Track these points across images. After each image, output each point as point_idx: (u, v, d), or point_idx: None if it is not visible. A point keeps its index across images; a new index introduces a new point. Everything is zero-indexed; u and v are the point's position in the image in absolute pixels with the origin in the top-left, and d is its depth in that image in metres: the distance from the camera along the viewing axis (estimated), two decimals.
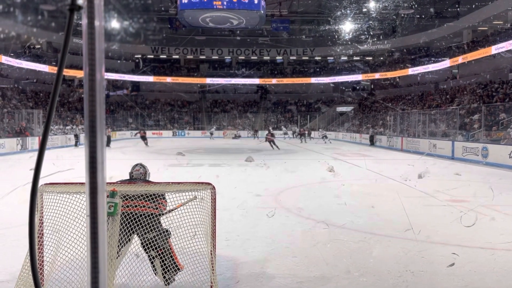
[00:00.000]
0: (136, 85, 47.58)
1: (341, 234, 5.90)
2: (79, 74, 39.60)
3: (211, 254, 3.69)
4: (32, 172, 1.14)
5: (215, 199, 3.80)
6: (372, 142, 28.56)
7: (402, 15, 35.94)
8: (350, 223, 6.43)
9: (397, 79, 42.58)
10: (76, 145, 25.71)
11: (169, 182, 3.89)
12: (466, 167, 15.00)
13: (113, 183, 3.81)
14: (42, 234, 3.53)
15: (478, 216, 6.82)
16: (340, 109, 44.99)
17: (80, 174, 1.49)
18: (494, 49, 27.27)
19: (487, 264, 4.66)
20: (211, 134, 38.02)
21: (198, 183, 3.81)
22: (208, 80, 47.75)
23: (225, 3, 23.57)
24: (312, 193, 9.16)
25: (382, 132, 29.98)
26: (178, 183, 3.84)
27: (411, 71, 38.49)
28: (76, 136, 26.42)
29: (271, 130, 28.53)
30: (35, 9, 32.81)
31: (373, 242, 5.49)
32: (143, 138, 26.72)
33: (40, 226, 3.53)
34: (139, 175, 4.28)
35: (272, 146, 23.67)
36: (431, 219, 6.78)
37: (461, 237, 5.58)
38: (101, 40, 1.14)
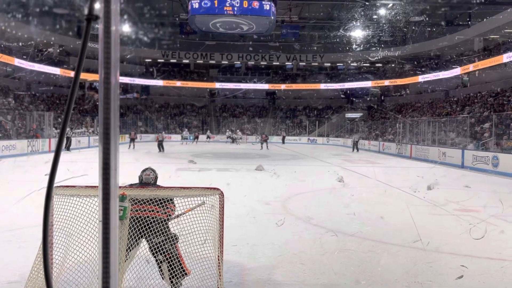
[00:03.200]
0: (145, 89, 47.93)
1: (349, 243, 5.87)
2: (89, 77, 40.02)
3: (218, 259, 3.69)
4: (47, 178, 1.16)
5: (223, 204, 3.81)
6: (355, 148, 28.33)
7: (413, 23, 35.80)
8: (359, 232, 6.40)
9: (407, 87, 42.36)
10: (68, 149, 22.88)
11: (178, 187, 3.91)
12: (477, 177, 14.85)
13: (123, 187, 3.84)
14: (52, 236, 3.56)
15: (487, 227, 6.75)
16: (349, 115, 44.84)
17: (94, 180, 1.51)
18: (506, 58, 27.06)
19: (496, 275, 4.60)
20: (234, 138, 38.20)
21: (207, 188, 3.82)
22: (218, 85, 47.95)
23: (235, 9, 23.66)
24: (321, 201, 9.13)
25: (392, 139, 29.83)
26: (187, 188, 3.86)
27: (421, 78, 38.30)
28: (68, 139, 23.53)
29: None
30: (48, 13, 33.24)
31: (382, 252, 5.45)
32: (160, 143, 25.07)
33: (50, 228, 3.57)
34: (149, 179, 4.30)
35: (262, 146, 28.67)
36: (440, 229, 6.72)
37: (470, 248, 5.52)
38: (117, 50, 1.16)
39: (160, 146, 24.82)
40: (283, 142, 37.78)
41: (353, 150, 28.45)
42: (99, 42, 1.16)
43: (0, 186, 9.86)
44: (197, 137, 35.71)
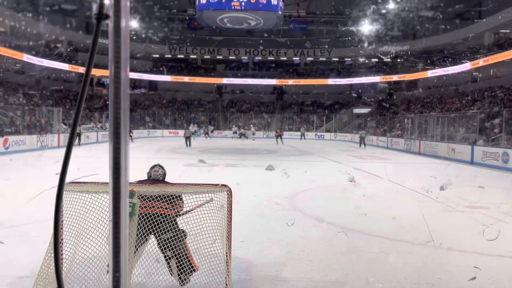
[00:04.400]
0: (153, 84, 48.07)
1: (359, 241, 5.85)
2: (98, 72, 40.19)
3: (226, 256, 3.70)
4: (58, 177, 1.16)
5: (231, 201, 3.81)
6: (363, 143, 28.24)
7: (422, 17, 35.44)
8: (369, 231, 6.37)
9: (416, 82, 41.99)
10: (78, 143, 24.02)
11: (186, 184, 3.92)
12: (487, 172, 14.72)
13: (132, 183, 3.85)
14: (62, 232, 3.59)
15: (499, 225, 6.69)
16: (357, 111, 44.60)
17: (105, 179, 1.51)
18: None
19: (507, 273, 4.56)
20: (243, 134, 38.18)
21: (215, 185, 3.82)
22: (225, 80, 47.93)
23: (243, 3, 23.61)
24: (331, 199, 9.10)
25: (400, 135, 29.64)
26: (195, 184, 3.87)
27: (431, 73, 37.93)
28: (78, 135, 24.32)
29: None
30: (57, 9, 33.40)
31: (391, 250, 5.42)
32: (188, 138, 26.05)
33: (60, 226, 3.60)
34: (157, 176, 4.32)
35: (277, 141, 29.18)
36: (452, 228, 6.66)
37: (481, 247, 5.48)
38: (127, 48, 1.16)
39: (188, 141, 25.75)
40: (304, 138, 37.65)
41: (360, 145, 28.34)
42: (109, 41, 1.15)
43: (12, 185, 9.95)
44: (206, 133, 36.60)
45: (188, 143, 25.56)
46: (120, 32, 1.15)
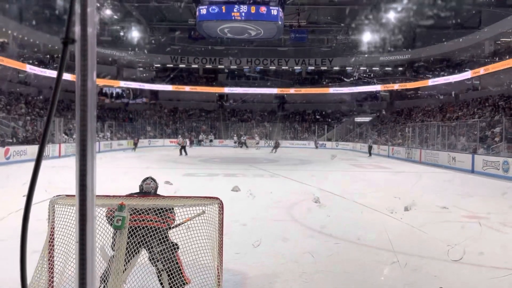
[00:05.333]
0: (155, 94, 48.28)
1: (353, 251, 5.84)
2: (99, 82, 40.44)
3: (217, 269, 3.70)
4: (24, 199, 1.17)
5: (222, 213, 3.82)
6: (370, 153, 28.34)
7: (423, 26, 35.57)
8: (364, 240, 6.35)
9: (417, 91, 42.04)
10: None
11: (178, 196, 3.93)
12: (487, 182, 14.68)
13: (123, 196, 3.87)
14: (53, 245, 3.60)
15: (495, 234, 6.67)
16: (358, 119, 44.61)
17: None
18: None
19: (501, 285, 4.53)
20: (243, 143, 38.35)
21: (206, 197, 3.83)
22: (226, 90, 48.11)
23: (243, 14, 23.77)
24: (327, 207, 9.08)
25: (401, 144, 29.60)
26: (187, 197, 3.87)
27: (431, 82, 37.99)
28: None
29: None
30: (59, 19, 33.72)
31: (386, 259, 5.40)
32: (182, 147, 26.42)
33: (51, 237, 3.60)
34: (149, 188, 4.33)
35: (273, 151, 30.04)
36: (445, 236, 6.64)
37: (476, 257, 5.45)
38: (93, 73, 1.17)
39: (183, 150, 26.03)
40: (317, 147, 38.87)
41: (369, 155, 28.32)
42: (76, 65, 1.18)
43: (7, 192, 9.97)
44: (192, 142, 36.11)
45: (183, 152, 25.82)
46: (87, 56, 1.17)
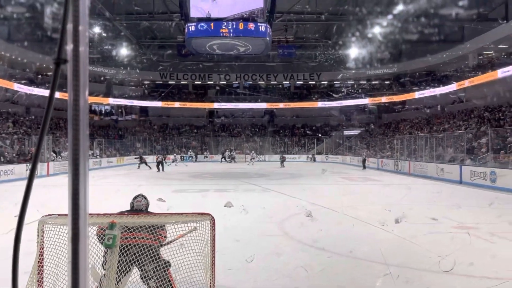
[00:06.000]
0: (144, 110, 48.21)
1: (346, 264, 5.83)
2: (89, 99, 40.20)
3: (210, 286, 3.67)
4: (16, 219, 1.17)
5: (214, 229, 3.81)
6: (364, 166, 28.60)
7: (409, 40, 36.25)
8: (354, 252, 6.36)
9: (404, 103, 42.61)
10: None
11: (169, 213, 3.91)
12: (475, 192, 14.82)
13: (113, 214, 3.84)
14: (42, 266, 3.55)
15: (484, 244, 6.72)
16: (347, 132, 44.97)
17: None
18: (500, 73, 27.31)
19: None
20: (233, 158, 38.37)
21: (198, 213, 3.82)
22: (216, 105, 48.26)
23: (231, 30, 24.01)
24: (319, 221, 9.08)
25: (390, 156, 29.83)
26: (178, 214, 3.86)
27: (418, 94, 38.58)
28: (162, 163, 26.69)
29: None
30: (47, 37, 33.69)
31: (379, 272, 5.40)
32: (159, 163, 26.20)
33: (41, 257, 3.55)
34: (140, 206, 4.30)
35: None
36: (435, 247, 6.67)
37: (466, 267, 5.48)
38: (85, 93, 1.19)
39: (160, 165, 25.78)
40: (314, 161, 39.70)
41: (363, 167, 28.53)
42: (68, 85, 1.19)
43: None
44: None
45: (160, 168, 25.72)
46: (79, 77, 1.18)
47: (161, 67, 44.77)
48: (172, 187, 16.54)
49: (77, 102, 1.18)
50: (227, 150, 41.42)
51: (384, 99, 42.84)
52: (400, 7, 29.25)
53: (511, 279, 5.06)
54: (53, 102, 1.21)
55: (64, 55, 1.17)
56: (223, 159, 39.41)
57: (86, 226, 1.20)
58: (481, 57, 33.53)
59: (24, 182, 1.16)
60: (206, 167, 31.04)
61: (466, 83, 31.61)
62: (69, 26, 1.18)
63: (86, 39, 1.19)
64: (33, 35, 31.92)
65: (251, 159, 36.78)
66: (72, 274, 1.16)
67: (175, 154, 37.49)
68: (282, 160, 32.58)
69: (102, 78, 43.70)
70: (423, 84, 39.28)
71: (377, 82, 46.19)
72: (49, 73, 38.35)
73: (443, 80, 36.44)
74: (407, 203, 11.60)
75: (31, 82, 34.82)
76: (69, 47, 1.18)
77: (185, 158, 39.25)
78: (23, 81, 33.65)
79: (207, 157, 41.53)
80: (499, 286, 4.77)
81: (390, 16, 30.86)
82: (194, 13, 25.03)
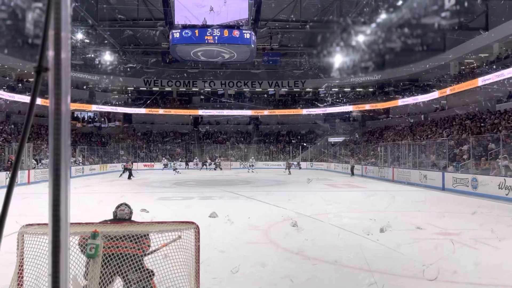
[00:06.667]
0: (128, 117, 47.77)
1: (331, 273, 5.84)
2: (71, 106, 39.67)
3: None
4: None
5: (198, 238, 3.76)
6: (352, 173, 28.76)
7: (391, 48, 36.80)
8: (340, 261, 6.37)
9: (388, 111, 43.18)
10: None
11: (152, 222, 3.85)
12: (457, 199, 15.04)
13: (96, 223, 3.77)
14: (22, 277, 3.46)
15: (468, 250, 6.81)
16: (331, 139, 45.30)
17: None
18: (481, 81, 27.89)
19: None
20: (218, 165, 37.91)
21: (182, 222, 3.77)
22: (201, 112, 48.12)
23: (216, 37, 24.04)
24: (304, 230, 9.08)
25: (374, 163, 30.11)
26: (161, 222, 3.81)
27: (401, 102, 39.13)
28: (129, 170, 26.76)
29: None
30: (28, 43, 33.21)
31: (364, 280, 5.41)
32: (127, 170, 26.35)
33: (20, 269, 3.46)
34: (123, 215, 4.24)
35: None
36: (419, 253, 6.73)
37: (451, 274, 5.53)
38: (67, 101, 1.16)
39: (126, 172, 26.30)
40: (300, 168, 39.06)
41: (351, 175, 28.59)
42: (49, 93, 1.16)
43: None
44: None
45: (128, 175, 25.84)
46: (61, 85, 1.16)
47: (145, 74, 44.51)
48: (156, 195, 16.38)
49: (59, 111, 1.15)
50: (209, 159, 40.71)
51: (367, 107, 43.33)
52: (383, 16, 29.75)
53: (495, 285, 5.13)
54: (34, 110, 1.18)
55: (45, 62, 1.15)
56: (204, 166, 38.49)
57: (67, 238, 1.16)
58: (462, 65, 34.24)
59: (4, 191, 1.13)
60: (191, 175, 30.84)
61: (448, 91, 32.20)
62: (51, 33, 1.15)
63: (68, 46, 1.16)
64: (13, 41, 31.41)
65: (250, 166, 35.14)
66: (53, 287, 1.12)
67: (165, 159, 37.21)
68: (288, 166, 32.85)
69: (85, 87, 43.21)
70: (406, 92, 39.88)
71: (361, 89, 46.73)
72: (31, 79, 37.80)
73: (426, 88, 37.07)
74: (391, 211, 11.68)
75: (12, 89, 34.22)
76: (50, 53, 1.16)
77: (169, 165, 38.63)
78: (4, 88, 33.03)
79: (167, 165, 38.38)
80: None
81: (373, 25, 31.35)
82: (178, 19, 25.00)
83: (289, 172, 31.80)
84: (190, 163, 39.43)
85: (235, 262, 5.92)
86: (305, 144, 45.59)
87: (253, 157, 39.35)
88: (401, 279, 5.44)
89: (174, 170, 33.42)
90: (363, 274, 5.64)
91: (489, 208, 12.35)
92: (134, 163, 37.16)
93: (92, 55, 37.61)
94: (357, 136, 44.04)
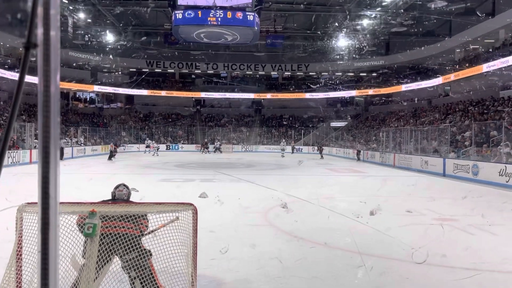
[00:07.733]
0: (130, 98, 47.65)
1: (321, 255, 5.89)
2: (73, 86, 39.66)
3: (192, 276, 3.66)
4: None
5: (196, 219, 3.79)
6: (358, 158, 28.77)
7: (396, 32, 36.41)
8: (329, 243, 6.41)
9: (391, 96, 42.92)
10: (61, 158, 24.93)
11: (150, 203, 3.87)
12: (457, 185, 15.06)
13: (94, 203, 3.79)
14: (21, 255, 3.50)
15: (464, 236, 6.84)
16: (334, 124, 45.19)
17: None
18: (486, 67, 27.62)
19: (471, 286, 4.65)
20: (218, 148, 37.52)
21: (180, 203, 3.80)
22: (203, 94, 47.94)
23: (219, 19, 23.77)
24: (304, 211, 9.13)
25: (375, 148, 30.09)
26: (160, 203, 3.83)
27: (404, 87, 38.84)
28: (61, 149, 25.12)
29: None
30: (16, 19, 32.84)
31: (354, 262, 5.45)
32: (112, 152, 26.33)
33: (19, 246, 3.50)
34: (122, 195, 4.25)
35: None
36: (416, 238, 6.77)
37: (445, 258, 5.57)
38: (56, 79, 1.15)
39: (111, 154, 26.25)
40: (293, 152, 37.52)
41: (358, 159, 28.54)
42: (38, 70, 1.15)
43: None
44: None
45: (109, 156, 26.01)
46: (50, 61, 1.14)
47: (146, 53, 44.14)
48: (154, 176, 16.44)
49: (48, 88, 1.15)
50: (217, 141, 40.27)
51: (371, 92, 43.08)
52: (388, 0, 29.32)
53: (488, 270, 5.17)
54: (23, 87, 1.17)
55: (34, 39, 1.13)
56: (205, 150, 37.56)
57: (57, 215, 1.16)
58: (468, 50, 33.85)
59: (6, 170, 1.13)
60: (192, 157, 30.91)
61: (452, 77, 31.93)
62: (40, 10, 1.14)
63: (58, 23, 1.15)
64: (1, 16, 30.97)
65: (281, 150, 33.40)
66: (42, 264, 1.13)
67: (151, 141, 36.12)
68: (321, 150, 32.09)
69: (84, 64, 42.68)
70: (410, 77, 39.56)
71: (364, 74, 46.37)
72: (32, 59, 37.48)
73: (430, 74, 36.75)
74: (385, 194, 11.70)
75: (2, 65, 33.82)
76: (40, 31, 1.14)
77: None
78: (5, 66, 32.86)
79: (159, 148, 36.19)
80: (476, 276, 4.87)
81: (378, 9, 30.92)
82: (181, 0, 24.69)
83: (322, 156, 31.32)
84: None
85: (224, 243, 5.96)
86: (307, 126, 45.46)
87: (284, 140, 37.35)
88: (390, 261, 5.50)
89: (147, 147, 33.98)
90: (352, 256, 5.69)
91: (486, 194, 12.38)
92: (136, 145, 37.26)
93: (94, 34, 37.29)
94: (359, 119, 43.87)
